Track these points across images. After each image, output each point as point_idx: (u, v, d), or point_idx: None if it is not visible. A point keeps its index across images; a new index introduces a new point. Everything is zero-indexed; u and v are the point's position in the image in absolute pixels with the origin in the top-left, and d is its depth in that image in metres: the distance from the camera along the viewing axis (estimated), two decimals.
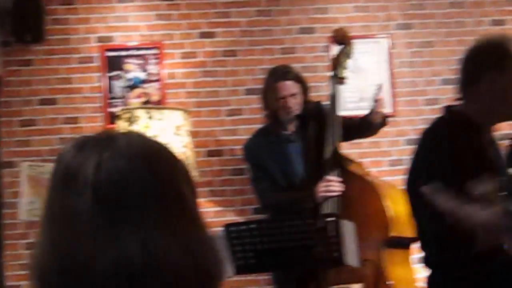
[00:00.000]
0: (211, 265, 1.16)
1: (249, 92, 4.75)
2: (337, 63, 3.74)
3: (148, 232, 1.09)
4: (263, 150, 3.97)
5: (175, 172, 1.17)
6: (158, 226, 1.10)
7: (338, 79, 3.72)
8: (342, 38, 3.80)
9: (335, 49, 3.80)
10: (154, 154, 1.16)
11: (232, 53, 4.80)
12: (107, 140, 1.15)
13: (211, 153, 4.72)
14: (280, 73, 3.89)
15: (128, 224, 1.10)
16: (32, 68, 4.73)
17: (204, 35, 4.80)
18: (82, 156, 1.12)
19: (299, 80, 3.92)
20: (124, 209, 1.10)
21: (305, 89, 3.93)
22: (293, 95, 3.89)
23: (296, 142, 3.96)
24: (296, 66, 4.25)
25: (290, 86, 3.89)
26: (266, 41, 4.84)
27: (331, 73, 3.73)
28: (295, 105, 3.89)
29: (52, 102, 4.70)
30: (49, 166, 4.40)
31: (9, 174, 4.58)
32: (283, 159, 3.96)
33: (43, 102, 4.70)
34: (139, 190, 1.11)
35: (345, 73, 3.74)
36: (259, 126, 4.29)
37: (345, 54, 3.75)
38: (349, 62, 3.77)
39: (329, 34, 4.66)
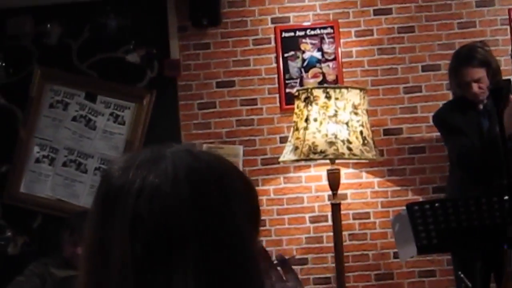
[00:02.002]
0: None
1: (427, 68, 5.29)
2: None
3: (182, 277, 1.08)
4: (457, 116, 4.38)
5: (229, 202, 1.15)
6: (196, 271, 1.09)
7: None
8: None
9: None
10: (205, 177, 1.16)
11: (409, 29, 5.34)
12: (153, 160, 1.16)
13: (389, 132, 5.27)
14: (464, 58, 4.32)
15: (163, 264, 1.10)
16: (209, 51, 5.44)
17: (379, 12, 5.34)
18: (126, 177, 1.15)
19: (484, 64, 4.26)
20: (162, 246, 1.10)
21: (493, 70, 4.24)
22: (476, 80, 4.26)
23: (486, 118, 4.31)
24: (475, 40, 4.67)
25: (473, 72, 4.29)
26: (444, 16, 5.32)
27: None
28: (479, 90, 4.27)
29: (229, 84, 5.36)
30: (229, 148, 5.11)
31: None
32: (477, 129, 4.32)
33: (221, 84, 5.38)
34: (181, 223, 1.11)
35: None
36: (437, 103, 4.81)
37: None
38: None
39: (510, 6, 5.06)
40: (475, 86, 4.30)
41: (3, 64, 5.55)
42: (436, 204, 3.94)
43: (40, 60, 5.55)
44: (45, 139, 5.53)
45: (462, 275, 4.04)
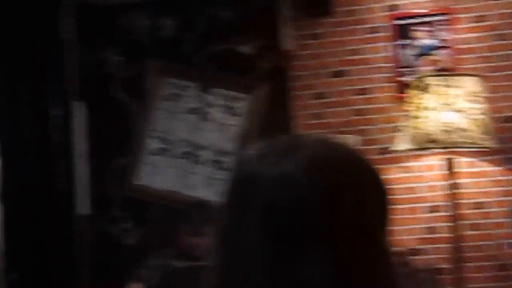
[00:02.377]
0: None
1: None
2: None
3: (313, 269, 1.10)
4: None
5: (363, 195, 1.17)
6: (326, 264, 1.11)
7: None
8: None
9: None
10: (340, 168, 1.17)
11: None
12: (290, 149, 1.17)
13: (507, 119, 5.27)
14: None
15: (294, 255, 1.11)
16: (320, 41, 5.58)
17: None
18: (261, 166, 1.16)
19: None
20: (293, 236, 1.11)
21: None
22: None
23: None
24: None
25: None
26: None
27: None
28: None
29: (342, 74, 5.46)
30: (344, 138, 5.20)
31: None
32: None
33: (334, 74, 5.46)
34: (314, 214, 1.12)
35: None
36: None
37: None
38: None
39: None
40: None
41: (120, 58, 5.77)
42: None
43: (155, 54, 5.75)
44: (159, 132, 5.73)
45: None
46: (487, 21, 5.43)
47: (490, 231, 5.31)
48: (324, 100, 5.58)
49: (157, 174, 5.72)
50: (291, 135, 1.16)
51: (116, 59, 5.80)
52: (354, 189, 1.16)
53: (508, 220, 4.87)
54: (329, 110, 5.57)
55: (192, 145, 5.70)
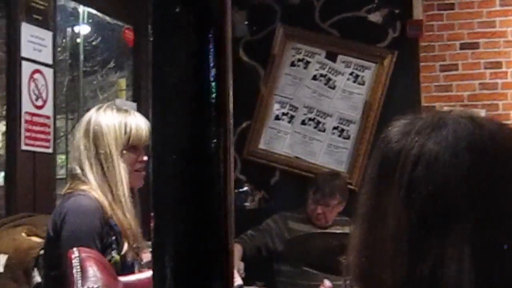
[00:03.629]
0: None
1: None
2: None
3: (457, 250, 1.08)
4: None
5: (510, 177, 1.13)
6: (471, 245, 1.08)
7: None
8: None
9: None
10: (487, 149, 1.12)
11: None
12: (434, 126, 1.15)
13: None
14: None
15: (438, 235, 1.10)
16: (453, 12, 5.49)
17: None
18: (405, 142, 1.14)
19: None
20: (437, 216, 1.10)
21: None
22: None
23: None
24: None
25: None
26: None
27: None
28: None
29: (473, 46, 5.34)
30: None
31: None
32: None
33: (464, 46, 5.36)
34: (459, 194, 1.10)
35: None
36: None
37: None
38: None
39: None
40: None
41: (247, 22, 5.80)
42: None
43: (282, 19, 5.76)
44: (285, 97, 5.74)
45: None
46: None
47: None
48: (453, 72, 5.48)
49: (281, 139, 5.74)
50: (435, 111, 1.11)
51: (243, 23, 5.82)
52: (500, 170, 1.12)
53: None
54: (457, 82, 5.46)
55: (317, 112, 5.69)
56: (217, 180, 0.85)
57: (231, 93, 0.89)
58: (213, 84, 0.87)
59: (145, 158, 2.91)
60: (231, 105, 0.89)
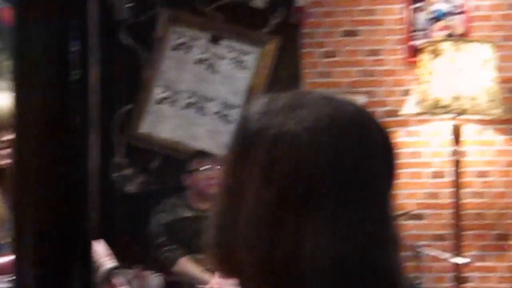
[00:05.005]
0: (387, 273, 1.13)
1: None
2: None
3: (314, 228, 1.08)
4: None
5: (369, 156, 1.14)
6: (329, 224, 1.09)
7: None
8: None
9: None
10: (346, 128, 1.13)
11: None
12: (293, 106, 1.14)
13: None
14: None
15: (295, 213, 1.10)
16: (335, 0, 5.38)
17: None
18: (264, 122, 1.14)
19: None
20: (295, 195, 1.09)
21: None
22: None
23: None
24: None
25: None
26: None
27: None
28: None
29: (354, 33, 5.37)
30: (350, 98, 5.09)
31: None
32: None
33: (345, 33, 5.37)
34: (317, 174, 1.10)
35: None
36: None
37: None
38: None
39: None
40: None
41: (131, 4, 5.66)
42: None
43: (166, 2, 5.64)
44: (167, 81, 5.64)
45: None
46: None
47: (492, 200, 5.25)
48: (334, 59, 5.49)
49: (162, 124, 5.64)
50: (296, 91, 1.09)
51: (126, 5, 5.68)
52: (359, 150, 1.12)
53: None
54: (338, 69, 5.47)
55: (199, 96, 5.61)
56: (78, 154, 0.79)
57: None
58: (75, 62, 0.81)
59: (8, 137, 2.79)
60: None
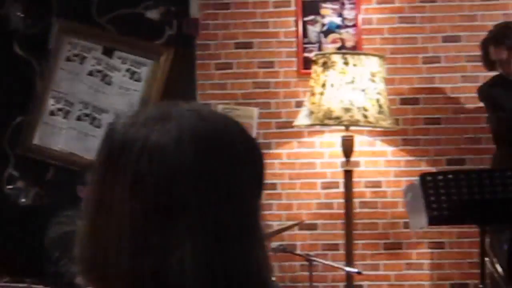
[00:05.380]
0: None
1: (447, 39, 5.29)
2: None
3: (180, 241, 1.08)
4: (499, 91, 4.50)
5: (233, 166, 1.14)
6: (194, 236, 1.09)
7: None
8: None
9: None
10: (210, 140, 1.14)
11: None
12: (159, 119, 1.14)
13: (405, 101, 5.30)
14: (494, 36, 4.39)
15: (161, 227, 1.09)
16: (229, 12, 5.49)
17: None
18: (129, 135, 1.13)
19: None
20: (161, 208, 1.09)
21: None
22: (507, 60, 4.35)
23: None
24: (497, 13, 4.70)
25: (501, 52, 4.34)
26: None
27: None
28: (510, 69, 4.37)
29: (247, 46, 5.38)
30: (244, 110, 5.13)
31: None
32: None
33: (239, 45, 5.39)
34: (182, 186, 1.10)
35: None
36: (455, 74, 4.84)
37: None
38: None
39: None
40: (503, 64, 4.41)
41: (22, 15, 5.55)
42: (450, 176, 3.99)
43: (59, 12, 5.55)
44: (60, 92, 5.55)
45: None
46: (393, 3, 5.41)
47: (383, 210, 5.33)
48: (228, 71, 5.49)
49: (56, 135, 5.55)
50: (163, 103, 1.10)
51: (19, 15, 5.57)
52: (224, 161, 1.13)
53: (403, 200, 4.87)
54: (232, 81, 5.48)
55: (93, 108, 5.54)
56: None
57: None
58: None
59: None
60: None
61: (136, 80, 5.52)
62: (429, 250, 5.32)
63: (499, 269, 4.36)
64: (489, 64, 4.66)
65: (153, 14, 5.51)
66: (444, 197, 3.92)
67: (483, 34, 4.92)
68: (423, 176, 3.97)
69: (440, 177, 3.99)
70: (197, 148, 1.11)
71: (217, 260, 1.09)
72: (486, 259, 4.24)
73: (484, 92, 4.82)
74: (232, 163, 1.14)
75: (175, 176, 1.09)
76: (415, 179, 4.05)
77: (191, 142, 1.11)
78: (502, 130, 4.66)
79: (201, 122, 1.14)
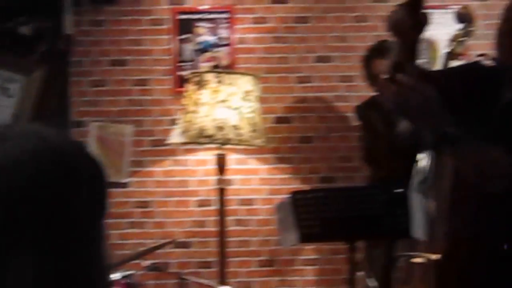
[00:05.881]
0: None
1: (320, 59, 5.35)
2: (456, 40, 4.12)
3: (18, 262, 1.06)
4: (377, 113, 4.58)
5: (73, 187, 1.13)
6: (33, 257, 1.07)
7: (453, 55, 4.14)
8: (466, 17, 4.19)
9: (457, 26, 4.15)
10: (49, 162, 1.11)
11: (304, 20, 5.37)
12: None
13: (279, 120, 5.33)
14: (375, 50, 4.47)
15: None
16: (103, 29, 5.42)
17: (275, 0, 5.34)
18: None
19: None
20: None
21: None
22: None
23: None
24: (368, 34, 4.78)
25: (383, 65, 4.43)
26: (339, 9, 5.39)
27: (447, 49, 4.13)
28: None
29: (122, 63, 5.32)
30: (118, 127, 5.07)
31: (78, 133, 5.19)
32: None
33: (113, 63, 5.31)
34: (20, 208, 1.07)
35: (460, 50, 4.14)
36: (327, 94, 4.91)
37: (465, 33, 4.13)
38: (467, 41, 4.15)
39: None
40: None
41: None
42: (320, 193, 4.02)
43: None
44: None
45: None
46: (267, 23, 5.46)
47: (256, 227, 5.34)
48: (102, 88, 5.41)
49: None
50: (3, 124, 1.05)
51: None
52: (62, 183, 1.11)
53: (274, 217, 4.88)
54: (106, 98, 5.41)
55: None
56: None
57: None
58: None
59: None
60: None
61: (8, 96, 5.37)
62: (302, 267, 5.36)
63: (374, 284, 4.43)
64: (372, 79, 4.72)
65: (25, 30, 5.39)
66: (315, 214, 3.94)
67: (355, 54, 5.02)
68: (294, 194, 3.99)
69: (311, 195, 4.01)
70: (37, 168, 1.08)
71: (54, 282, 1.07)
72: (360, 273, 4.30)
73: (361, 111, 4.89)
74: (72, 185, 1.11)
75: (14, 197, 1.06)
76: (287, 196, 4.06)
77: (30, 162, 1.08)
78: (373, 151, 4.74)
79: (42, 142, 1.11)
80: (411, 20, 2.29)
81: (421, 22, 2.33)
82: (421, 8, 2.30)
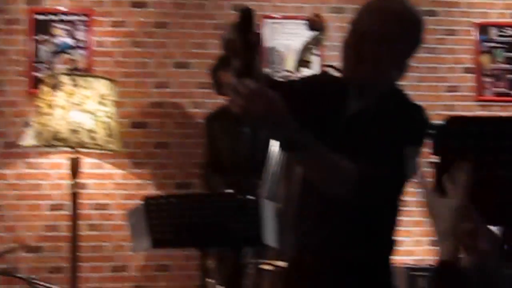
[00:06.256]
0: None
1: (178, 65, 5.38)
2: (306, 48, 4.16)
3: None
4: (222, 125, 4.61)
5: None
6: None
7: (303, 62, 4.18)
8: (317, 25, 4.23)
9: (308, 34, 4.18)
10: None
11: (163, 25, 5.36)
12: None
13: (135, 125, 5.32)
14: (221, 61, 4.50)
15: None
16: None
17: (135, 4, 5.36)
18: None
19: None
20: None
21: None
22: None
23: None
24: None
25: (228, 77, 4.45)
26: (198, 15, 5.41)
27: (297, 57, 4.16)
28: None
29: None
30: None
31: None
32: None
33: None
34: None
35: (311, 58, 4.17)
36: (185, 100, 4.92)
37: (316, 40, 4.17)
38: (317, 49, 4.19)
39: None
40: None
41: None
42: (172, 199, 4.01)
43: None
44: None
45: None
46: (125, 27, 5.42)
47: (109, 233, 5.29)
48: None
49: None
50: None
51: None
52: None
53: (127, 223, 4.84)
54: None
55: None
56: None
57: None
58: None
59: None
60: None
61: None
62: (155, 273, 5.33)
63: None
64: (219, 89, 4.76)
65: None
66: (167, 220, 3.93)
67: (213, 62, 5.04)
68: (146, 199, 3.97)
69: (163, 201, 4.00)
70: None
71: None
72: (210, 280, 4.30)
73: (207, 121, 4.93)
74: None
75: None
76: (139, 202, 4.03)
77: None
78: (217, 163, 4.81)
79: None
80: (241, 41, 2.30)
81: (252, 42, 2.33)
82: (251, 28, 2.30)
